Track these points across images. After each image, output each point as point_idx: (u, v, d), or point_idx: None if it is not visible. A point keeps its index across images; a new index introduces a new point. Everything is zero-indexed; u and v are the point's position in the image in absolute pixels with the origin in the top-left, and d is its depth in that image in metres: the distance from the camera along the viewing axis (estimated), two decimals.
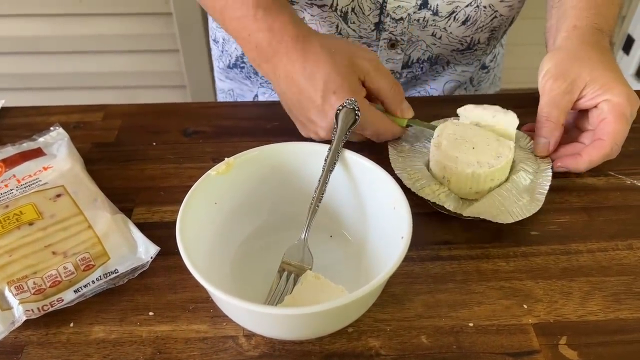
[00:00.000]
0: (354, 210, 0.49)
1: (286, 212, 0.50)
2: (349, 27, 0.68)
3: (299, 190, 0.49)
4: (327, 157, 0.47)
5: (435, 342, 0.43)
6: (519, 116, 0.55)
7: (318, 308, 0.36)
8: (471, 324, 0.44)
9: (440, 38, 0.69)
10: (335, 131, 0.48)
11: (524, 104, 0.60)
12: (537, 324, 0.44)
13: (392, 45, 0.70)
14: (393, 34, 0.68)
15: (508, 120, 0.54)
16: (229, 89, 0.86)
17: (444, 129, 0.54)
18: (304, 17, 0.68)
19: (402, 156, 0.56)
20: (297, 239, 0.46)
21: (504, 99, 0.68)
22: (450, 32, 0.68)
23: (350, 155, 0.47)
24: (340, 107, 0.50)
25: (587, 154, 0.55)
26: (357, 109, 0.49)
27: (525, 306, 0.45)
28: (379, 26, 0.68)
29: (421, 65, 0.74)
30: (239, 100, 0.85)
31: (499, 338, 0.43)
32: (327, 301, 0.37)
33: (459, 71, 0.77)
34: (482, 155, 0.51)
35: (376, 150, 0.57)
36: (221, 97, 0.89)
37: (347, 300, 0.36)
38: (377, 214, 0.46)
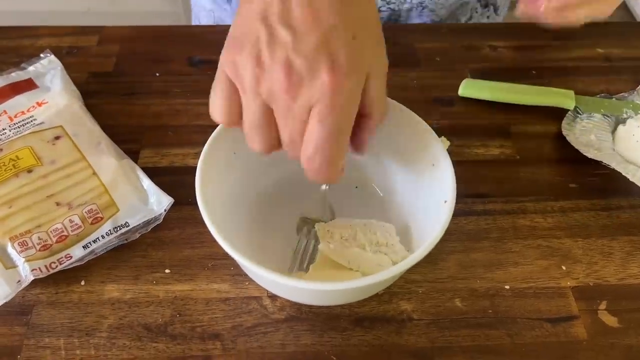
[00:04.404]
0: (386, 162, 0.45)
1: None
2: None
3: None
4: None
5: (471, 305, 0.41)
6: None
7: (355, 284, 0.33)
8: (507, 287, 0.42)
9: None
10: None
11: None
12: (576, 287, 0.42)
13: None
14: None
15: None
16: (210, 9, 0.77)
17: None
18: None
19: None
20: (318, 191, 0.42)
21: None
22: None
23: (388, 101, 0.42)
24: None
25: None
26: None
27: (563, 267, 0.43)
28: None
29: None
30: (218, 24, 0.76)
31: (537, 302, 0.41)
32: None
33: None
34: None
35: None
36: (201, 15, 0.80)
37: (387, 276, 0.33)
38: (412, 169, 0.42)
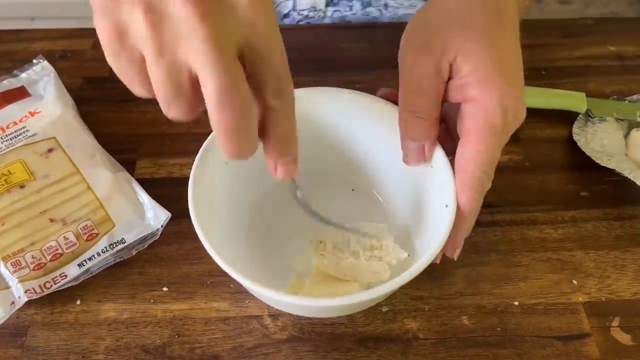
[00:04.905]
0: (383, 165, 0.43)
1: (317, 166, 0.44)
2: None
3: (322, 145, 0.43)
4: None
5: (478, 323, 0.39)
6: None
7: (357, 298, 0.32)
8: (516, 303, 0.40)
9: None
10: None
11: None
12: (587, 303, 0.40)
13: None
14: None
15: None
16: None
17: None
18: None
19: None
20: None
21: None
22: None
23: (381, 105, 0.41)
24: None
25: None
26: None
27: (574, 282, 0.41)
28: None
29: (350, 4, 0.60)
30: None
31: (547, 319, 0.39)
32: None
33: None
34: None
35: None
36: None
37: (390, 289, 0.32)
38: (410, 171, 0.40)
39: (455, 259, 0.37)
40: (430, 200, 0.38)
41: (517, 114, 0.34)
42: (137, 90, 0.27)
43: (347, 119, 0.42)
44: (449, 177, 0.36)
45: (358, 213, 0.44)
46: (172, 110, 0.26)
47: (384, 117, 0.40)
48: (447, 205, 0.35)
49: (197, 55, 0.24)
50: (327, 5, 0.61)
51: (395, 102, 0.39)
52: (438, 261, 0.37)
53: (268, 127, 0.28)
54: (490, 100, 0.33)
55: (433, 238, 0.35)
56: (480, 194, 0.35)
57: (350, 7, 0.61)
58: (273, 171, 0.30)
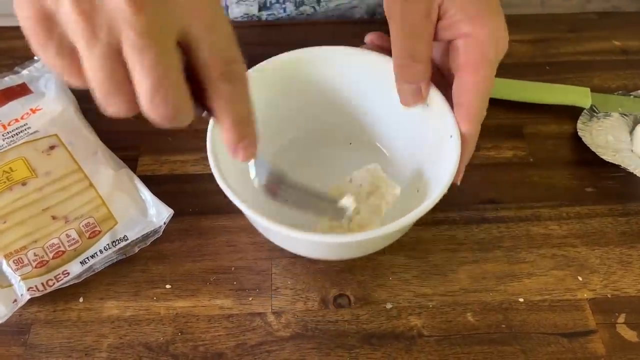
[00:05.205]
0: (379, 114, 0.44)
1: (318, 125, 0.46)
2: None
3: (330, 100, 0.44)
4: None
5: (483, 320, 0.39)
6: None
7: (386, 230, 0.33)
8: (521, 299, 0.40)
9: None
10: None
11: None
12: (593, 300, 0.40)
13: None
14: None
15: None
16: None
17: None
18: None
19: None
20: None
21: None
22: None
23: (372, 57, 0.41)
24: None
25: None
26: None
27: (580, 278, 0.41)
28: None
29: (283, 6, 0.60)
30: None
31: (552, 316, 0.39)
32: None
33: None
34: None
35: None
36: None
37: (416, 216, 0.34)
38: (407, 113, 0.41)
39: (459, 183, 0.38)
40: (432, 136, 0.40)
41: (505, 44, 0.37)
42: (70, 81, 0.25)
43: (341, 75, 0.43)
44: (447, 110, 0.38)
45: (362, 166, 0.43)
46: (110, 102, 0.25)
47: (377, 67, 0.41)
48: (451, 136, 0.37)
49: (131, 49, 0.23)
50: (260, 10, 0.61)
51: (383, 46, 0.41)
52: (458, 182, 0.38)
53: (222, 111, 0.27)
54: (483, 35, 0.36)
55: (443, 167, 0.36)
56: (480, 121, 0.38)
57: (284, 9, 0.61)
58: (232, 155, 0.29)
